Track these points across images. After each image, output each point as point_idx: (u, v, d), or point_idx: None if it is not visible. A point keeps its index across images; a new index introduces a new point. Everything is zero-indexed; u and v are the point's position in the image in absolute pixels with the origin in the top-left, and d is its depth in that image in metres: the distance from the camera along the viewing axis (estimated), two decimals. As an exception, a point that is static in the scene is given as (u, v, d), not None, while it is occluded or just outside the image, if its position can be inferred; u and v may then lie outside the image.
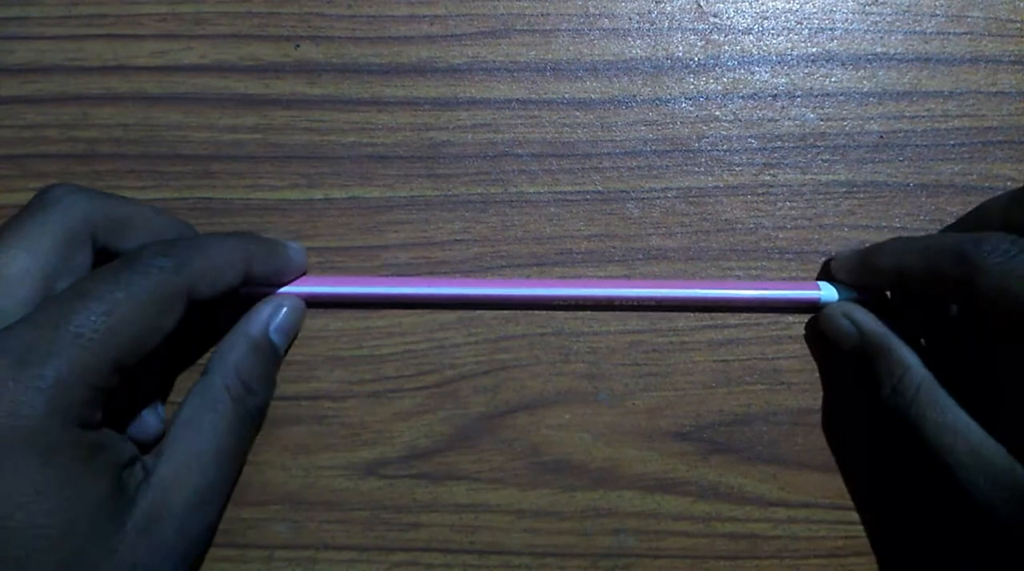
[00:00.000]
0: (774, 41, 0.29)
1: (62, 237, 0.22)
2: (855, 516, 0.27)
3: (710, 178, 0.28)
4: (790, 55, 0.29)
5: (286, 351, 0.27)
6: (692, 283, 0.27)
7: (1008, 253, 0.21)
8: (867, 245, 0.26)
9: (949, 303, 0.26)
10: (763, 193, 0.28)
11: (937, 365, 0.24)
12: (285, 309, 0.26)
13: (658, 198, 0.28)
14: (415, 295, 0.27)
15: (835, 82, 0.29)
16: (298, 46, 0.29)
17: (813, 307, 0.27)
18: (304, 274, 0.27)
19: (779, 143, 0.28)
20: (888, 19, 0.29)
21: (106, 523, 0.20)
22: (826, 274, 0.28)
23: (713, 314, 0.28)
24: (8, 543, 0.18)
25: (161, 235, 0.24)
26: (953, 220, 0.28)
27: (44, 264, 0.21)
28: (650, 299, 0.27)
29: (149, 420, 0.25)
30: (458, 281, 0.27)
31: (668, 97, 0.29)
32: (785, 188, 0.28)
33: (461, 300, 0.27)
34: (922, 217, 0.28)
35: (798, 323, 0.28)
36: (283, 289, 0.26)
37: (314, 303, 0.27)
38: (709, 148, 0.28)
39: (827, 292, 0.27)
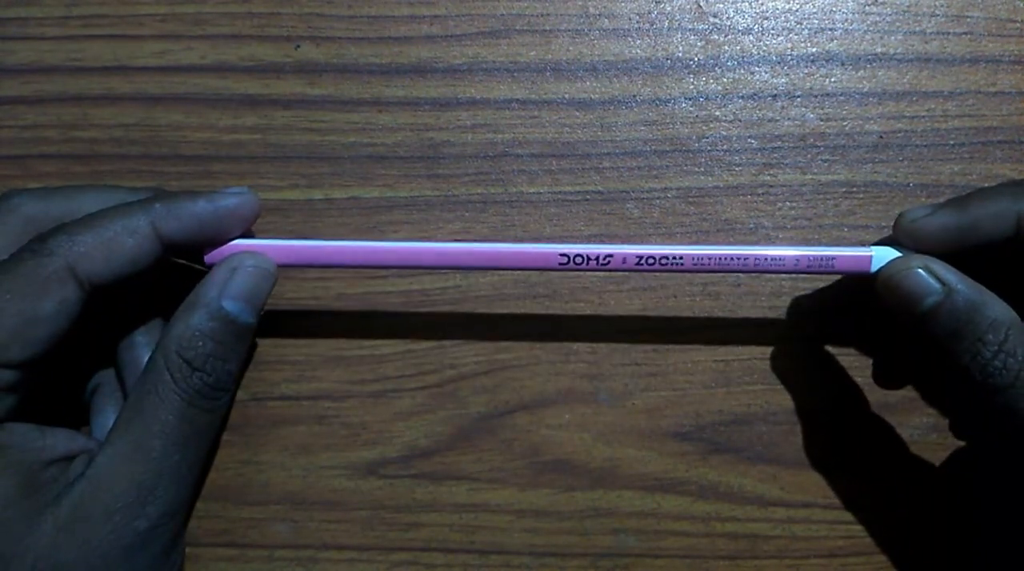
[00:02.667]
0: (774, 41, 0.29)
1: (6, 239, 0.22)
2: (855, 516, 0.27)
3: (710, 178, 0.28)
4: (790, 55, 0.29)
5: (258, 317, 0.23)
6: (724, 247, 0.24)
7: None
8: (939, 203, 0.23)
9: None
10: (763, 193, 0.28)
11: None
12: (243, 270, 0.23)
13: (658, 198, 0.28)
14: (396, 256, 0.24)
15: (835, 82, 0.29)
16: (298, 46, 0.29)
17: (860, 274, 0.24)
18: (253, 220, 0.23)
19: (779, 143, 0.28)
20: (888, 19, 0.29)
21: (15, 522, 0.19)
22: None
23: (713, 313, 0.27)
24: None
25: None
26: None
27: None
28: (674, 258, 0.24)
29: (106, 418, 0.24)
30: (448, 246, 0.24)
31: (668, 97, 0.29)
32: (785, 188, 0.28)
33: (451, 263, 0.24)
34: (922, 217, 0.28)
35: (799, 327, 0.28)
36: (249, 247, 0.23)
37: (293, 265, 0.24)
38: (709, 148, 0.28)
39: (883, 252, 0.24)
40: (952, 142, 0.28)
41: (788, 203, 0.28)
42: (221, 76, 0.28)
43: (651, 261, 0.24)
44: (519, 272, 0.28)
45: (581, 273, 0.28)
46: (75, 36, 0.29)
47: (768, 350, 0.27)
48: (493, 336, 0.27)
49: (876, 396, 0.27)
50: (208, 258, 0.23)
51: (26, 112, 0.28)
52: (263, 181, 0.28)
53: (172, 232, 0.22)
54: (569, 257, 0.24)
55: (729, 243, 0.28)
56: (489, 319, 0.28)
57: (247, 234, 0.24)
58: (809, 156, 0.28)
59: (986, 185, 0.28)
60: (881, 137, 0.28)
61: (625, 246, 0.24)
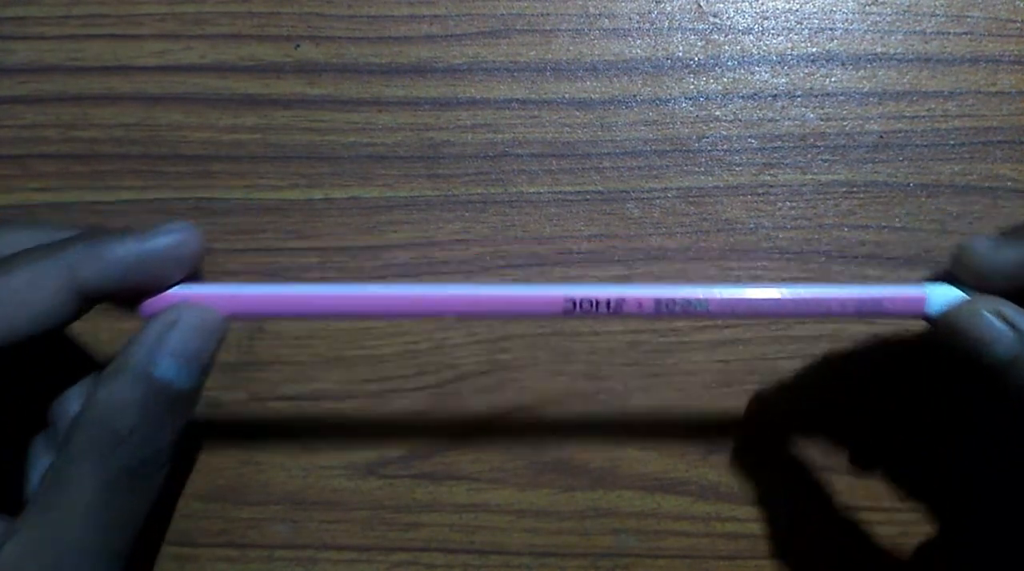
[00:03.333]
0: (774, 41, 0.29)
1: None
2: (855, 516, 0.27)
3: (710, 178, 0.28)
4: (790, 55, 0.29)
5: (202, 379, 0.20)
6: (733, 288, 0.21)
7: None
8: (1006, 232, 0.20)
9: None
10: (763, 193, 0.28)
11: None
12: (179, 327, 0.19)
13: (658, 198, 0.28)
14: (371, 303, 0.21)
15: (835, 82, 0.29)
16: (298, 46, 0.29)
17: (913, 315, 0.21)
18: (195, 262, 0.20)
19: (779, 143, 0.28)
20: (888, 19, 0.29)
21: None
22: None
23: (713, 314, 0.28)
24: None
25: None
26: (953, 220, 0.28)
27: None
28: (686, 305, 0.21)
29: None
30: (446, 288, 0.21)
31: (668, 97, 0.28)
32: (785, 188, 0.28)
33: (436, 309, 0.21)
34: (922, 217, 0.28)
35: (798, 323, 0.28)
36: (193, 294, 0.20)
37: (247, 315, 0.21)
38: (709, 148, 0.28)
39: (940, 292, 0.21)
40: (952, 142, 0.28)
41: (788, 203, 0.28)
42: (221, 76, 0.28)
43: (671, 305, 0.21)
44: (520, 273, 0.27)
45: (581, 273, 0.28)
46: (75, 36, 0.29)
47: (768, 350, 0.27)
48: (493, 336, 0.27)
49: (874, 400, 0.27)
50: (144, 310, 0.20)
51: (25, 112, 0.28)
52: (263, 181, 0.28)
53: (93, 281, 0.18)
54: (576, 302, 0.21)
55: (729, 243, 0.28)
56: (489, 319, 0.27)
57: (192, 278, 0.20)
58: (809, 156, 0.28)
59: (986, 185, 0.28)
60: (881, 137, 0.28)
61: (641, 288, 0.21)
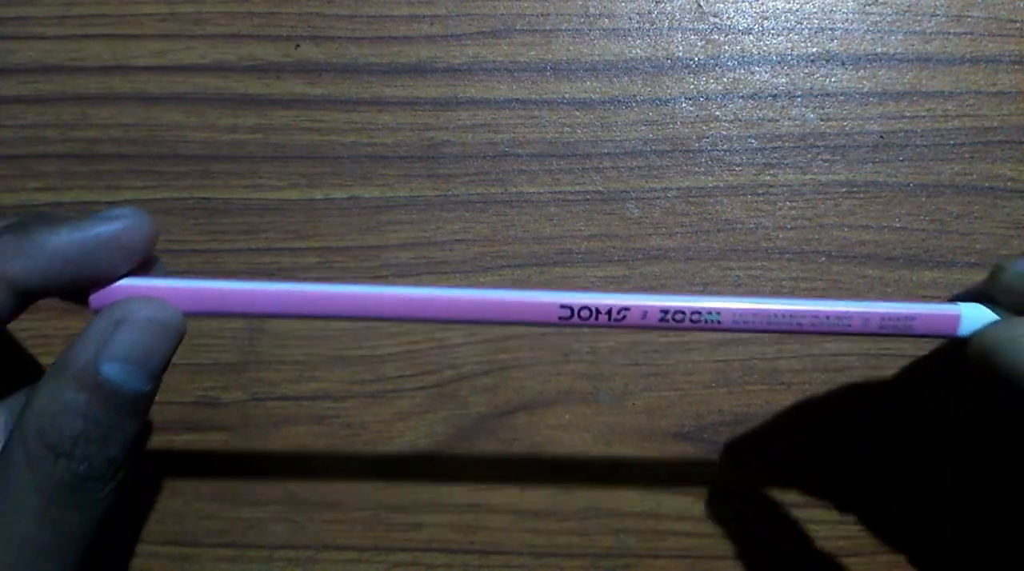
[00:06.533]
0: (774, 41, 0.29)
1: None
2: (856, 516, 0.27)
3: (710, 178, 0.28)
4: (790, 55, 0.29)
5: (155, 382, 0.18)
6: (770, 300, 0.19)
7: None
8: None
9: None
10: (763, 193, 0.28)
11: None
12: (128, 325, 0.17)
13: (658, 198, 0.28)
14: (348, 304, 0.19)
15: (835, 82, 0.29)
16: (298, 46, 0.29)
17: (944, 335, 0.20)
18: (145, 250, 0.18)
19: (779, 143, 0.28)
20: (888, 19, 0.29)
21: None
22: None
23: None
24: None
25: None
26: (953, 220, 0.28)
27: None
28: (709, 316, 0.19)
29: None
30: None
31: (668, 97, 0.29)
32: (785, 188, 0.28)
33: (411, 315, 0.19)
34: (922, 217, 0.28)
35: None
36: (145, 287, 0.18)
37: (206, 313, 0.19)
38: (709, 148, 0.28)
39: (974, 312, 0.19)
40: (952, 142, 0.28)
41: (788, 203, 0.28)
42: (221, 76, 0.28)
43: (679, 316, 0.19)
44: (520, 273, 0.27)
45: (581, 273, 0.28)
46: (74, 36, 0.29)
47: (768, 350, 0.27)
48: (493, 336, 0.27)
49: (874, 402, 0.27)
50: (94, 301, 0.18)
51: (25, 112, 0.28)
52: (263, 181, 0.28)
53: (26, 277, 0.16)
54: (573, 310, 0.19)
55: (729, 243, 0.28)
56: (489, 319, 0.28)
57: (148, 269, 0.18)
58: (809, 156, 0.28)
59: (986, 185, 0.28)
60: (881, 137, 0.28)
61: (646, 297, 0.19)
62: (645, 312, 0.19)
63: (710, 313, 0.19)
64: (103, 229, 0.17)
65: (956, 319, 0.19)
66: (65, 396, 0.16)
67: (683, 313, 0.19)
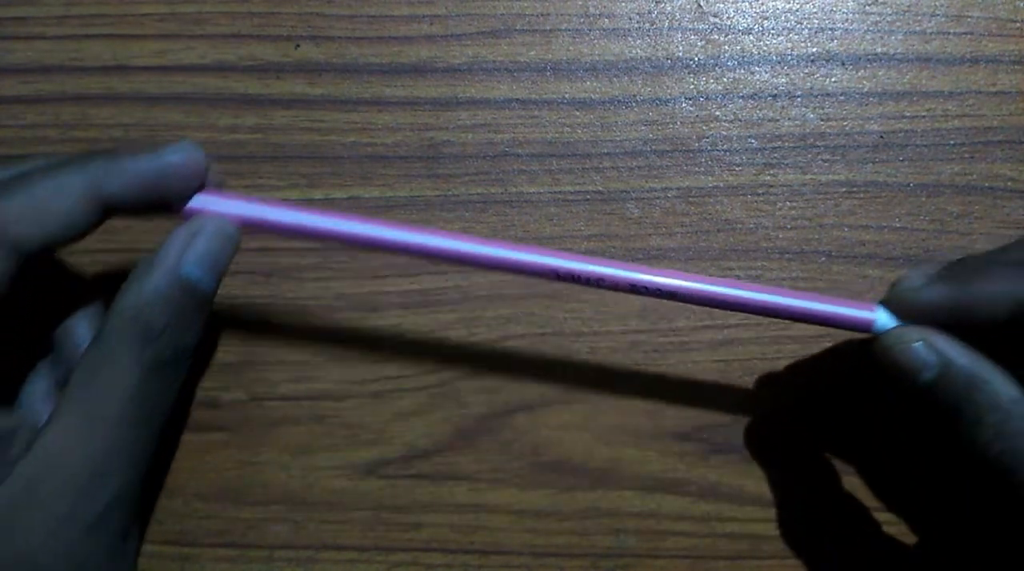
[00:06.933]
0: (774, 41, 0.29)
1: None
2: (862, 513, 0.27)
3: (710, 178, 0.28)
4: (790, 55, 0.29)
5: (217, 284, 0.22)
6: (728, 282, 0.23)
7: None
8: (939, 267, 0.22)
9: None
10: (763, 193, 0.28)
11: None
12: (204, 234, 0.21)
13: (658, 198, 0.28)
14: (368, 236, 0.22)
15: (835, 82, 0.29)
16: (298, 46, 0.29)
17: (861, 330, 0.22)
18: (202, 177, 0.22)
19: (779, 143, 0.28)
20: (888, 19, 0.29)
21: None
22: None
23: (713, 314, 0.27)
24: None
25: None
26: (953, 220, 0.28)
27: None
28: (671, 289, 0.22)
29: (35, 399, 0.23)
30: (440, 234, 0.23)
31: (668, 97, 0.29)
32: (785, 188, 0.28)
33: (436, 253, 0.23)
34: (922, 217, 0.28)
35: (799, 324, 0.28)
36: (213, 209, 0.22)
37: (257, 229, 0.22)
38: (709, 148, 0.28)
39: (885, 315, 0.22)
40: (952, 142, 0.28)
41: (788, 203, 0.28)
42: (221, 76, 0.28)
43: (644, 289, 0.23)
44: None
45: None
46: (74, 36, 0.29)
47: (768, 350, 0.27)
48: (493, 336, 0.27)
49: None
50: (186, 213, 0.22)
51: (25, 112, 0.28)
52: (263, 181, 0.28)
53: (113, 193, 0.20)
54: (559, 273, 0.23)
55: (729, 243, 0.28)
56: (489, 319, 0.27)
57: (204, 189, 0.22)
58: (809, 156, 0.28)
59: (986, 185, 0.28)
60: (881, 137, 0.28)
61: (620, 269, 0.22)
62: (617, 282, 0.22)
63: (667, 289, 0.22)
64: (174, 158, 0.21)
65: (871, 322, 0.22)
66: (157, 289, 0.20)
67: (647, 287, 0.22)
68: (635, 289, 0.23)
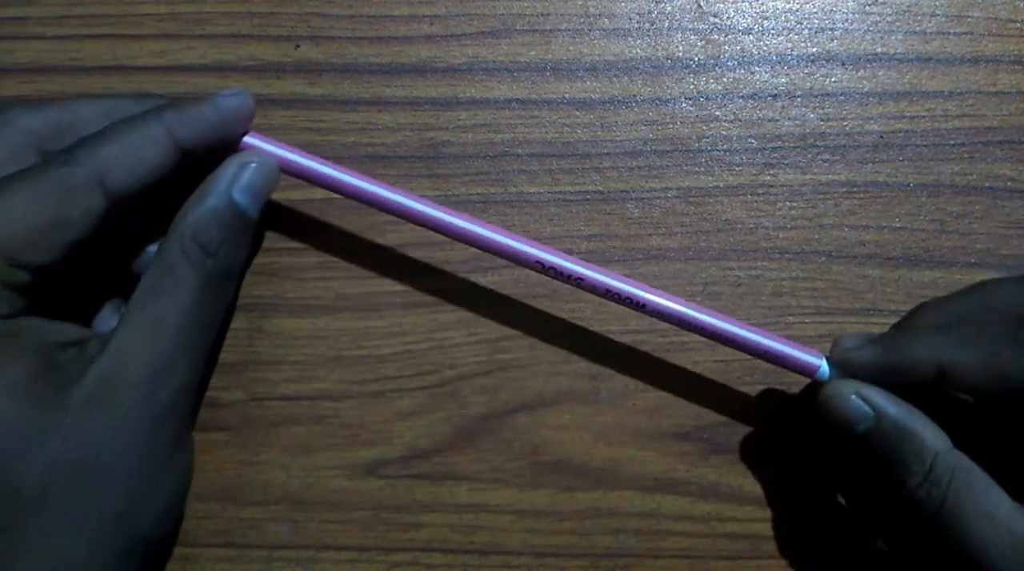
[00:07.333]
0: (774, 41, 0.29)
1: (3, 153, 0.22)
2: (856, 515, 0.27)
3: (710, 178, 0.28)
4: (790, 55, 0.29)
5: (260, 213, 0.24)
6: (691, 306, 0.24)
7: None
8: (877, 335, 0.24)
9: (1011, 402, 0.22)
10: (763, 193, 0.28)
11: (965, 443, 0.22)
12: (251, 167, 0.24)
13: (658, 198, 0.28)
14: (400, 205, 0.25)
15: (835, 82, 0.29)
16: (298, 46, 0.29)
17: (808, 374, 0.24)
18: (253, 117, 0.25)
19: (779, 143, 0.28)
20: (888, 19, 0.29)
21: (37, 400, 0.20)
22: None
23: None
24: None
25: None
26: (953, 220, 0.28)
27: None
28: (640, 302, 0.24)
29: (105, 316, 0.25)
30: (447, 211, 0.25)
31: (668, 97, 0.29)
32: (785, 188, 0.28)
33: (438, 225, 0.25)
34: (922, 217, 0.28)
35: (799, 323, 0.28)
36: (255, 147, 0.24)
37: (291, 174, 0.25)
38: (709, 148, 0.28)
39: (832, 367, 0.24)
40: (952, 142, 0.28)
41: (788, 203, 0.28)
42: (221, 76, 0.28)
43: (617, 296, 0.24)
44: (520, 273, 0.27)
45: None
46: (74, 36, 0.29)
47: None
48: (493, 336, 0.27)
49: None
50: (242, 145, 0.24)
51: None
52: (263, 181, 0.28)
53: (186, 139, 0.23)
54: (544, 265, 0.24)
55: (729, 243, 0.28)
56: (489, 319, 0.27)
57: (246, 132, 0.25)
58: (809, 156, 0.28)
59: (986, 185, 0.28)
60: (881, 137, 0.28)
61: (599, 274, 0.24)
62: (594, 284, 0.24)
63: (637, 300, 0.24)
64: (231, 104, 0.24)
65: (817, 369, 0.24)
66: (214, 211, 0.23)
67: (620, 294, 0.24)
68: (609, 295, 0.25)
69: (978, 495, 0.21)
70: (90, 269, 0.24)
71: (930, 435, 0.22)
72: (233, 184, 0.23)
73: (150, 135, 0.22)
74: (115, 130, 0.22)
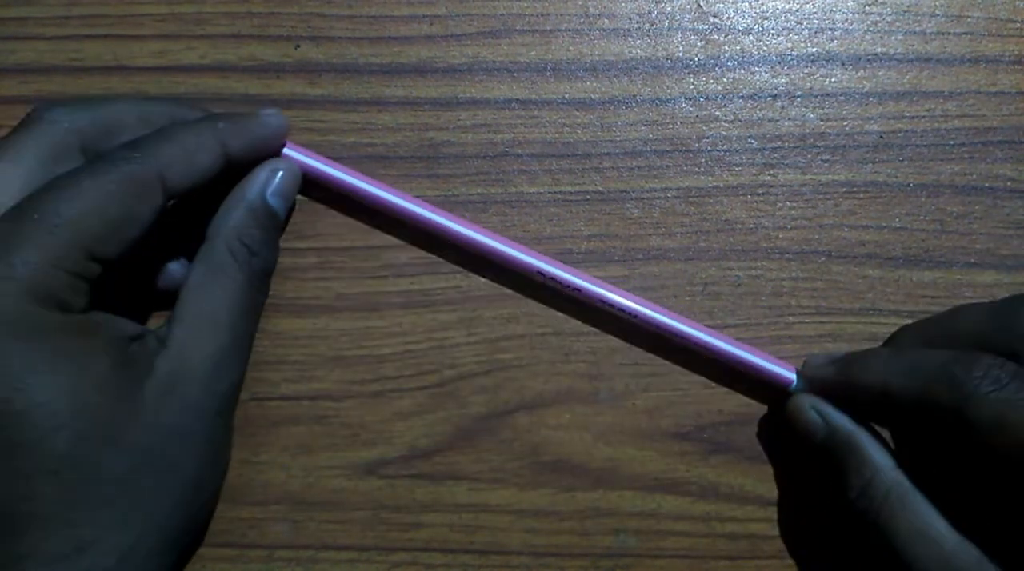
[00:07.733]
0: (774, 41, 0.29)
1: (48, 150, 0.23)
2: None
3: (710, 178, 0.28)
4: (790, 55, 0.29)
5: (287, 217, 0.27)
6: (676, 317, 0.26)
7: (1000, 381, 0.21)
8: (843, 354, 0.25)
9: (937, 426, 0.22)
10: (763, 193, 0.28)
11: (910, 465, 0.23)
12: (281, 173, 0.25)
13: (658, 198, 0.28)
14: (408, 211, 0.26)
15: (835, 82, 0.29)
16: (298, 46, 0.29)
17: (783, 389, 0.26)
18: (285, 136, 0.26)
19: (779, 143, 0.28)
20: (888, 19, 0.29)
21: (118, 392, 0.21)
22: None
23: (712, 314, 0.28)
24: (19, 427, 0.19)
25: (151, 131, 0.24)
26: (953, 220, 0.28)
27: (30, 177, 0.22)
28: (627, 312, 0.26)
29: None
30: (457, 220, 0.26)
31: (668, 97, 0.29)
32: (785, 188, 0.28)
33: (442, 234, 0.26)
34: (922, 217, 0.28)
35: (799, 323, 0.28)
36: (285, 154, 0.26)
37: (309, 180, 0.27)
38: (709, 148, 0.28)
39: (801, 381, 0.26)
40: (952, 142, 0.28)
41: (788, 203, 0.28)
42: (221, 76, 0.28)
43: (611, 306, 0.26)
44: (519, 273, 0.27)
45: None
46: (75, 36, 0.29)
47: (768, 350, 0.27)
48: (493, 336, 0.27)
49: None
50: (284, 154, 0.26)
51: (26, 112, 0.28)
52: (263, 181, 0.28)
53: (235, 149, 0.24)
54: (544, 275, 0.26)
55: (729, 243, 0.28)
56: (489, 319, 0.27)
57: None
58: (809, 156, 0.28)
59: (986, 185, 0.28)
60: (881, 137, 0.28)
61: (596, 285, 0.26)
62: (591, 295, 0.26)
63: (629, 311, 0.26)
64: (274, 121, 0.26)
65: (791, 382, 0.26)
66: (253, 212, 0.24)
67: (613, 305, 0.26)
68: (603, 304, 0.26)
69: (912, 513, 0.22)
70: (144, 261, 0.26)
71: (874, 451, 0.23)
72: (266, 188, 0.25)
73: (204, 141, 0.24)
74: (173, 131, 0.23)
